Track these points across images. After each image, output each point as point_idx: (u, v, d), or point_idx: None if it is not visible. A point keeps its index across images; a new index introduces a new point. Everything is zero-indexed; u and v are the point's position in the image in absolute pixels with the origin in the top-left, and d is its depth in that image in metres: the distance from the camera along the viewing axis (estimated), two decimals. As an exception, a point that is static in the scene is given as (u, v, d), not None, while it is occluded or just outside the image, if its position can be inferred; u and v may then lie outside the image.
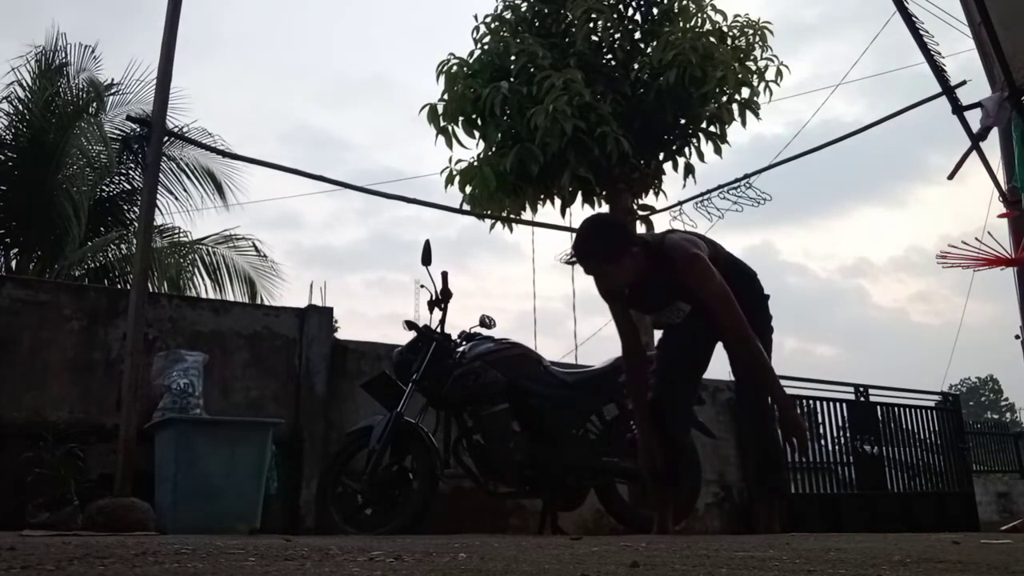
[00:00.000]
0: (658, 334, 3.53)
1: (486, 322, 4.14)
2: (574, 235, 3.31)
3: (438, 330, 4.00)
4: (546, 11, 7.76)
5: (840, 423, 7.90)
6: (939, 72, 5.11)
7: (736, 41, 7.53)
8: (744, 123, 7.48)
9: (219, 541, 2.01)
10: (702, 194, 7.58)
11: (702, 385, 3.54)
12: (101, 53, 10.78)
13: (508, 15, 7.81)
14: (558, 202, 7.60)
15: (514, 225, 7.74)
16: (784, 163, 7.06)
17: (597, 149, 6.79)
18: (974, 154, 5.74)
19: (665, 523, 3.24)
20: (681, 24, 7.38)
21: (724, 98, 7.39)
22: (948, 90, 5.35)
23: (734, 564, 1.63)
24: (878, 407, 8.18)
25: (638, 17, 7.67)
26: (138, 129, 8.95)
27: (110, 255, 10.20)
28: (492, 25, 7.74)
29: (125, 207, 10.96)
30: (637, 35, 7.64)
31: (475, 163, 7.45)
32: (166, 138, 5.79)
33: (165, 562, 1.47)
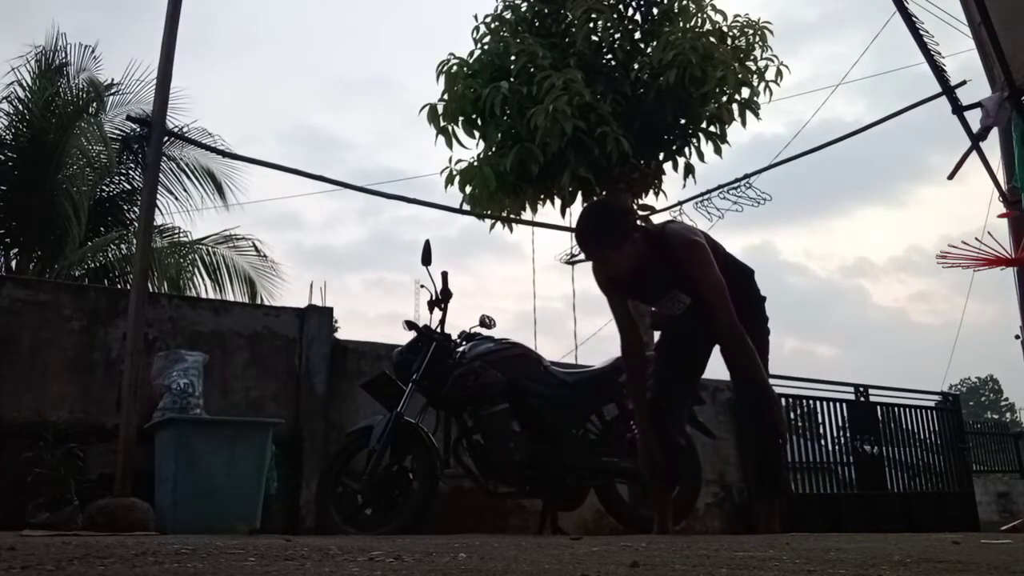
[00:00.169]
0: (657, 335, 3.53)
1: (486, 322, 4.14)
2: (576, 223, 3.30)
3: (438, 330, 4.00)
4: (546, 11, 7.76)
5: (840, 423, 7.90)
6: (939, 72, 5.10)
7: (736, 41, 7.54)
8: (744, 123, 7.49)
9: (219, 541, 2.01)
10: (702, 194, 7.59)
11: (702, 385, 3.54)
12: (101, 53, 10.80)
13: (508, 15, 7.81)
14: (558, 202, 7.61)
15: (514, 225, 7.75)
16: (784, 163, 7.07)
17: (597, 149, 6.79)
18: (974, 154, 5.74)
19: (665, 523, 3.24)
20: (681, 24, 7.38)
21: (724, 98, 7.40)
22: (948, 90, 5.35)
23: (734, 564, 1.63)
24: (878, 407, 8.17)
25: (638, 17, 7.67)
26: (138, 129, 8.95)
27: (110, 255, 10.20)
28: (492, 25, 7.74)
29: (125, 207, 10.96)
30: (637, 35, 7.64)
31: (475, 163, 7.45)
32: (166, 138, 5.79)
33: (165, 562, 1.47)
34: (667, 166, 7.70)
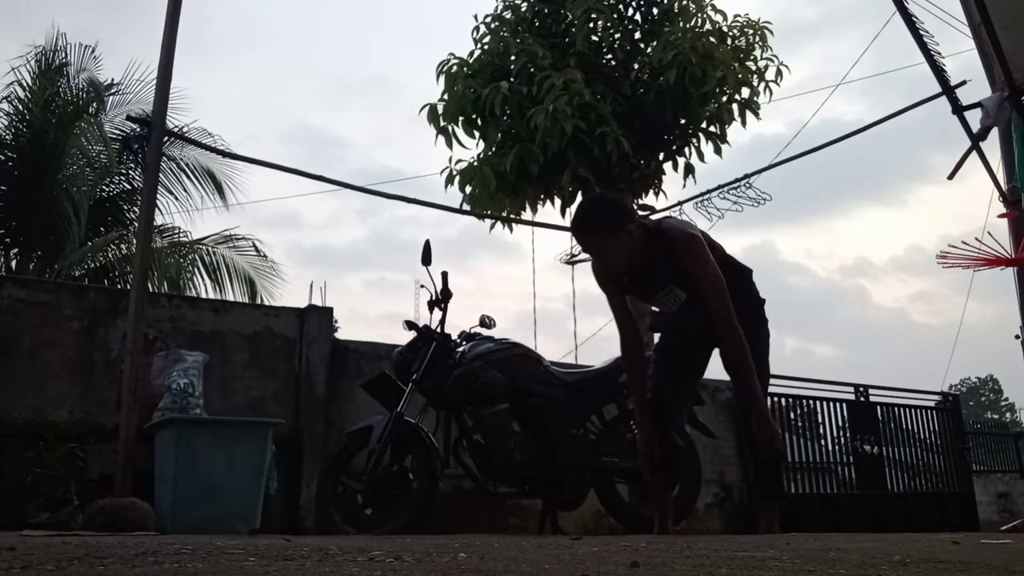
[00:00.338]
0: (657, 337, 3.53)
1: (486, 322, 4.14)
2: (573, 215, 3.30)
3: (438, 330, 4.00)
4: (546, 11, 7.76)
5: (840, 423, 7.90)
6: (939, 72, 5.11)
7: (736, 41, 7.54)
8: (744, 123, 7.49)
9: (219, 541, 2.01)
10: (702, 194, 7.59)
11: (702, 385, 3.54)
12: (101, 53, 10.81)
13: (508, 15, 7.82)
14: (558, 202, 7.62)
15: (514, 225, 7.75)
16: (784, 163, 7.06)
17: (597, 149, 6.80)
18: (974, 154, 5.75)
19: (665, 523, 3.24)
20: (681, 24, 7.38)
21: (724, 98, 7.40)
22: (948, 90, 5.35)
23: (734, 564, 1.63)
24: (878, 407, 8.17)
25: (638, 17, 7.67)
26: (138, 129, 8.98)
27: (110, 255, 10.20)
28: (492, 25, 7.75)
29: (125, 207, 10.96)
30: (637, 35, 7.65)
31: (475, 163, 7.45)
32: (166, 138, 5.79)
33: (165, 562, 1.47)
34: (667, 166, 7.72)
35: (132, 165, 10.77)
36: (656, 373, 3.26)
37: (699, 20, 7.53)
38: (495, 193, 7.31)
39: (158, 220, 9.73)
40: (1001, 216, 5.69)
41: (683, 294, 3.10)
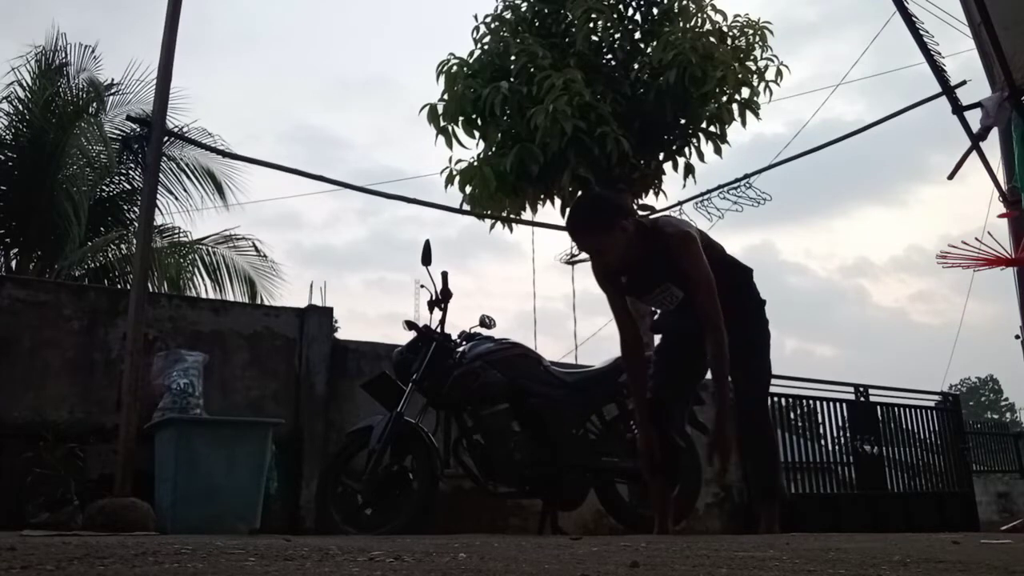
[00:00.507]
0: (657, 338, 3.53)
1: (486, 322, 4.14)
2: (567, 213, 3.31)
3: (438, 330, 4.00)
4: (546, 11, 7.76)
5: (840, 423, 7.90)
6: (939, 72, 5.11)
7: (736, 41, 7.54)
8: (744, 123, 7.49)
9: (219, 541, 2.01)
10: (702, 194, 7.59)
11: (702, 385, 3.54)
12: (101, 53, 10.81)
13: (508, 15, 7.82)
14: (558, 202, 7.61)
15: (514, 225, 7.75)
16: (784, 163, 7.07)
17: (597, 149, 6.80)
18: (974, 154, 5.75)
19: (665, 523, 3.24)
20: (681, 24, 7.38)
21: (724, 98, 7.40)
22: (948, 90, 5.35)
23: (734, 564, 1.63)
24: (878, 407, 8.17)
25: (638, 17, 7.67)
26: (138, 129, 8.98)
27: (110, 255, 10.21)
28: (492, 25, 7.75)
29: (125, 207, 10.97)
30: (637, 35, 7.65)
31: (475, 163, 7.45)
32: (166, 138, 5.79)
33: (165, 562, 1.47)
34: (667, 166, 7.72)
35: (132, 165, 10.79)
36: (657, 374, 3.27)
37: (699, 20, 7.53)
38: (495, 193, 7.31)
39: (158, 220, 9.75)
40: (1001, 216, 5.69)
41: (680, 292, 3.10)
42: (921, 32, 4.64)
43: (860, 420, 7.97)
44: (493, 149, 7.40)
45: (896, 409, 8.38)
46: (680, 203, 7.74)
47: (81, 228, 9.28)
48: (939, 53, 4.91)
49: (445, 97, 7.42)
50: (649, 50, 7.44)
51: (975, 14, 5.08)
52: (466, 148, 7.53)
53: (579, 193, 7.41)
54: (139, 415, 3.95)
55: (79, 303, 4.59)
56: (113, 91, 10.57)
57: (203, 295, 9.75)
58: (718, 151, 7.57)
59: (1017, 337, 5.80)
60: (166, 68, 4.27)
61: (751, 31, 7.57)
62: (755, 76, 7.48)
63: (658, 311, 3.51)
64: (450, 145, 7.42)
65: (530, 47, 7.14)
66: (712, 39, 7.28)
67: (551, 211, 7.76)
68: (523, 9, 7.85)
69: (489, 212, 7.51)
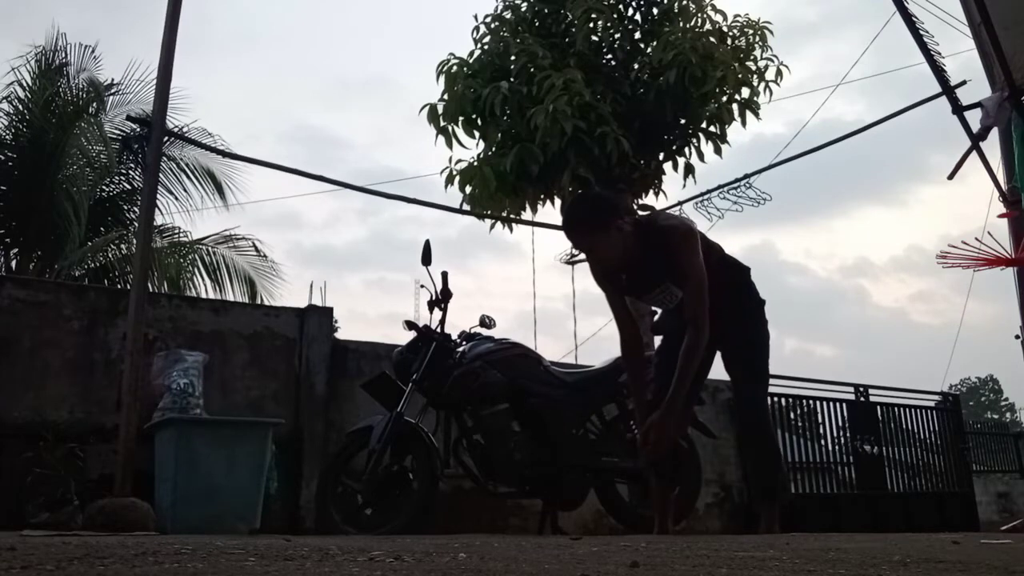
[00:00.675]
0: (658, 339, 3.53)
1: (486, 322, 4.14)
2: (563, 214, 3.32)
3: (438, 330, 4.00)
4: (546, 11, 7.76)
5: (840, 423, 7.90)
6: (939, 72, 5.11)
7: (736, 41, 7.54)
8: (744, 123, 7.49)
9: (219, 541, 2.01)
10: (702, 194, 7.59)
11: (703, 386, 3.54)
12: (101, 53, 10.81)
13: (508, 15, 7.81)
14: (558, 202, 7.61)
15: (514, 225, 7.75)
16: (784, 163, 7.08)
17: (597, 149, 6.79)
18: (974, 154, 5.75)
19: (665, 523, 3.24)
20: (681, 24, 7.38)
21: (724, 98, 7.40)
22: (948, 90, 5.35)
23: (734, 564, 1.63)
24: (878, 407, 8.17)
25: (638, 17, 7.67)
26: (138, 129, 8.98)
27: (110, 255, 10.21)
28: (492, 25, 7.74)
29: (125, 207, 10.96)
30: (637, 35, 7.64)
31: (475, 163, 7.45)
32: (166, 138, 5.79)
33: (165, 562, 1.47)
34: (667, 166, 7.71)
35: (132, 165, 10.79)
36: (659, 376, 3.26)
37: (699, 20, 7.53)
38: (495, 193, 7.31)
39: (158, 220, 9.75)
40: (1001, 216, 5.69)
41: (679, 291, 3.10)
42: (921, 32, 4.64)
43: (860, 420, 7.97)
44: (493, 149, 7.40)
45: (896, 409, 8.38)
46: (680, 203, 7.75)
47: (81, 228, 9.28)
48: (939, 53, 4.91)
49: (445, 97, 7.42)
50: (649, 50, 7.43)
51: (975, 14, 5.08)
52: (466, 148, 7.53)
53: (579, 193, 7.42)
54: (139, 415, 3.95)
55: (79, 303, 4.59)
56: (113, 91, 10.58)
57: (203, 295, 9.76)
58: (718, 151, 7.57)
59: (1017, 337, 5.80)
60: (166, 68, 4.27)
61: (751, 31, 7.56)
62: (755, 76, 7.48)
63: (659, 313, 3.51)
64: (450, 145, 7.43)
65: (530, 47, 7.14)
66: (712, 39, 7.28)
67: (551, 211, 7.76)
68: (523, 9, 7.84)
69: (489, 212, 7.51)
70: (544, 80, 6.79)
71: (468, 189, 7.42)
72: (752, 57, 7.52)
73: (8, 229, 10.02)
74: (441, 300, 4.06)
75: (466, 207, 7.46)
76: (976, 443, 13.48)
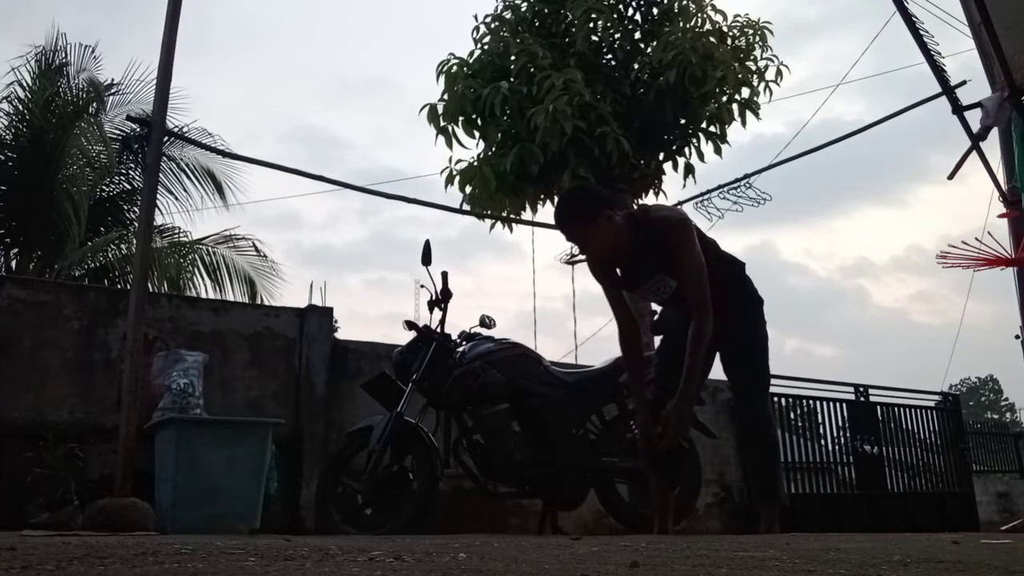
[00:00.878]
0: (658, 339, 3.53)
1: (486, 322, 4.14)
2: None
3: (438, 330, 4.00)
4: (546, 11, 7.76)
5: (840, 423, 7.90)
6: (939, 72, 5.11)
7: (736, 41, 7.54)
8: (744, 123, 7.50)
9: (219, 541, 2.01)
10: (702, 194, 7.60)
11: (703, 385, 3.53)
12: (101, 53, 10.80)
13: (508, 15, 7.82)
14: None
15: (514, 225, 7.75)
16: (784, 163, 7.08)
17: (597, 149, 6.80)
18: (974, 154, 5.75)
19: (665, 523, 3.24)
20: (681, 24, 7.38)
21: (724, 98, 7.40)
22: (948, 90, 5.36)
23: (734, 564, 1.63)
24: (878, 407, 8.17)
25: (638, 17, 7.67)
26: (138, 129, 8.98)
27: (110, 255, 10.20)
28: (492, 25, 7.75)
29: (125, 207, 10.96)
30: (637, 35, 7.65)
31: (475, 163, 7.45)
32: (166, 138, 5.79)
33: (165, 562, 1.47)
34: (667, 166, 7.72)
35: (132, 165, 10.78)
36: (658, 376, 3.26)
37: (699, 20, 7.53)
38: (495, 193, 7.31)
39: (158, 220, 9.75)
40: (1001, 216, 5.70)
41: (673, 282, 3.10)
42: (921, 32, 4.64)
43: (860, 420, 7.97)
44: (493, 149, 7.41)
45: (896, 409, 8.38)
46: (680, 203, 7.74)
47: (81, 228, 9.28)
48: (939, 53, 4.91)
49: (445, 97, 7.42)
50: (649, 50, 7.43)
51: (975, 14, 5.08)
52: (466, 148, 7.54)
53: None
54: (139, 415, 3.95)
55: (79, 303, 4.59)
56: (113, 91, 10.57)
57: (203, 295, 9.76)
58: (718, 151, 7.57)
59: (1017, 337, 5.81)
60: (166, 68, 4.27)
61: (751, 31, 7.57)
62: (755, 76, 7.48)
63: (658, 313, 3.51)
64: (450, 145, 7.43)
65: (530, 47, 7.14)
66: (712, 39, 7.28)
67: (551, 211, 7.74)
68: (523, 9, 7.85)
69: (489, 212, 7.51)
70: (544, 80, 6.79)
71: (468, 189, 7.42)
72: (752, 57, 7.53)
73: (8, 229, 10.02)
74: (441, 300, 4.06)
75: (466, 207, 7.46)
76: (976, 443, 13.48)
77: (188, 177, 10.76)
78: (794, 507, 6.51)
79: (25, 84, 9.95)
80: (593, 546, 2.14)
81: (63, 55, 10.22)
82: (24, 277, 7.86)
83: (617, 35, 7.53)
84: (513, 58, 7.30)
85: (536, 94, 6.86)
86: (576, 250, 8.71)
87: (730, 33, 7.56)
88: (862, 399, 8.05)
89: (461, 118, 7.37)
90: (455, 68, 7.46)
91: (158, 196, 7.64)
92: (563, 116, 6.59)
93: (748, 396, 3.26)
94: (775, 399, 7.10)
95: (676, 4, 7.60)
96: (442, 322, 4.03)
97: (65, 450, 3.92)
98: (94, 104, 10.42)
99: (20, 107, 9.96)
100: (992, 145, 5.74)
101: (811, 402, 7.74)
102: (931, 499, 8.14)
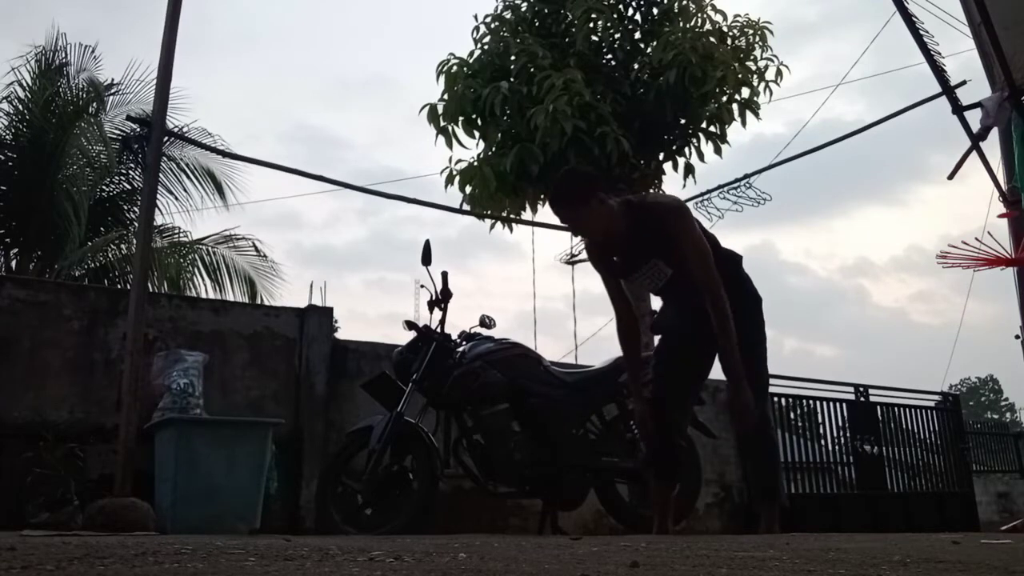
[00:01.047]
0: (657, 339, 3.53)
1: (486, 322, 4.14)
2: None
3: (438, 330, 4.00)
4: (546, 11, 7.76)
5: (840, 423, 7.91)
6: (939, 72, 5.11)
7: (736, 41, 7.54)
8: (744, 123, 7.49)
9: (219, 541, 2.01)
10: (702, 194, 7.59)
11: (702, 386, 3.53)
12: (101, 53, 10.81)
13: (508, 15, 7.81)
14: (558, 202, 7.59)
15: (514, 225, 7.75)
16: (784, 163, 7.07)
17: (597, 149, 6.79)
18: (974, 154, 5.75)
19: (665, 523, 3.24)
20: (681, 24, 7.37)
21: (724, 98, 7.40)
22: (948, 90, 5.35)
23: (734, 564, 1.63)
24: (878, 407, 8.17)
25: (638, 17, 7.67)
26: (138, 129, 8.97)
27: (110, 255, 10.20)
28: (492, 25, 7.74)
29: (125, 207, 10.96)
30: (637, 35, 7.64)
31: (475, 163, 7.45)
32: (166, 138, 5.79)
33: (165, 562, 1.47)
34: (667, 166, 7.71)
35: (132, 165, 10.78)
36: (657, 375, 3.26)
37: (699, 20, 7.53)
38: (495, 193, 7.31)
39: (158, 220, 9.75)
40: (1001, 216, 5.69)
41: (668, 269, 3.10)
42: (921, 32, 4.64)
43: (860, 420, 7.97)
44: (493, 149, 7.40)
45: (896, 409, 8.38)
46: (680, 203, 7.74)
47: (81, 228, 9.28)
48: (939, 53, 4.91)
49: (445, 97, 7.42)
50: (649, 50, 7.43)
51: (975, 14, 5.08)
52: (466, 148, 7.53)
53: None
54: (139, 415, 3.95)
55: (79, 303, 4.59)
56: (113, 91, 10.57)
57: (203, 295, 9.76)
58: (718, 151, 7.57)
59: (1017, 337, 5.80)
60: (166, 68, 4.27)
61: (751, 31, 7.56)
62: (755, 76, 7.48)
63: (658, 312, 3.51)
64: (450, 145, 7.43)
65: (530, 47, 7.14)
66: (712, 39, 7.28)
67: (551, 211, 7.75)
68: (523, 9, 7.84)
69: (489, 212, 7.51)
70: (544, 80, 6.79)
71: (468, 189, 7.42)
72: (752, 57, 7.52)
73: (8, 229, 10.02)
74: (441, 300, 4.06)
75: (466, 207, 7.46)
76: (976, 443, 13.48)
77: (188, 177, 10.77)
78: (794, 507, 6.52)
79: (25, 84, 9.96)
80: (593, 546, 2.14)
81: (63, 55, 10.23)
82: (24, 277, 7.86)
83: (617, 35, 7.52)
84: (513, 58, 7.29)
85: (536, 94, 6.86)
86: (577, 249, 8.71)
87: (730, 33, 7.56)
88: (862, 399, 8.06)
89: (461, 118, 7.37)
90: (455, 68, 7.46)
91: (158, 196, 7.64)
92: (563, 116, 6.59)
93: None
94: (775, 399, 7.10)
95: (676, 4, 7.59)
96: (442, 322, 4.04)
97: (65, 450, 3.92)
98: (94, 104, 10.42)
99: (20, 107, 9.96)
100: (992, 145, 5.75)
101: (811, 402, 7.74)
102: (931, 499, 8.15)
